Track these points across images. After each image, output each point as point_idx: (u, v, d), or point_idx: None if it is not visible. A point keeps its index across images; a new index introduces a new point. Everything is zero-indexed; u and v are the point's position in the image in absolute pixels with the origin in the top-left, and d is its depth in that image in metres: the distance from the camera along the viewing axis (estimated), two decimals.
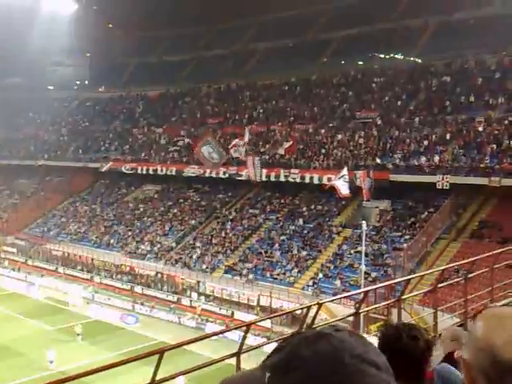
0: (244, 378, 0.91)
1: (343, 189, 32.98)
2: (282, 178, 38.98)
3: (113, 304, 35.59)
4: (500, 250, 10.38)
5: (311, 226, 37.55)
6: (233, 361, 6.27)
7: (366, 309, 10.97)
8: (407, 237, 32.93)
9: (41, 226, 51.61)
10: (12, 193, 57.95)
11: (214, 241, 40.07)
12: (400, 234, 33.55)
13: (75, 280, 40.53)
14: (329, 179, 36.28)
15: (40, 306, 35.67)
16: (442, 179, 31.76)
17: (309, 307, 7.37)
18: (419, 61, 44.32)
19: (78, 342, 27.64)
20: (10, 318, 33.07)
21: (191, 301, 35.04)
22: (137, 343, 26.84)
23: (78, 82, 67.75)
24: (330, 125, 41.98)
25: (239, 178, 41.53)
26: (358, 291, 18.11)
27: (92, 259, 42.49)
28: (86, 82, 67.78)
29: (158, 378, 5.43)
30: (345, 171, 32.91)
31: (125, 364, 5.69)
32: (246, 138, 40.50)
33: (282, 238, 37.35)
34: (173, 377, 5.74)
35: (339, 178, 32.78)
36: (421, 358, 2.26)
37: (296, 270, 34.20)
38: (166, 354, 5.48)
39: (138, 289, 37.90)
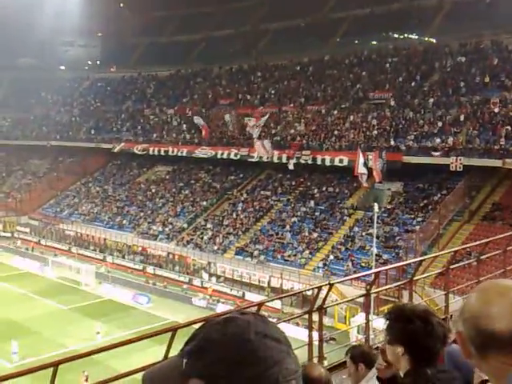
0: (163, 367, 1.02)
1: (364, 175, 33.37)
2: (294, 160, 38.83)
3: (125, 284, 35.93)
4: None
5: (322, 207, 37.49)
6: None
7: (377, 290, 10.96)
8: (419, 219, 32.78)
9: (54, 206, 52.06)
10: (25, 173, 58.39)
11: (225, 222, 40.19)
12: (412, 216, 33.40)
13: (88, 260, 40.93)
14: (341, 160, 36.28)
15: (53, 286, 36.10)
16: (456, 161, 31.47)
17: (319, 288, 7.36)
18: (434, 41, 43.69)
19: (97, 341, 26.77)
20: (24, 298, 33.53)
21: (202, 282, 35.28)
22: (149, 323, 27.08)
23: (89, 62, 67.69)
24: (343, 106, 41.64)
25: (251, 160, 41.48)
26: (369, 272, 18.11)
27: (104, 239, 42.87)
28: (98, 62, 67.70)
29: (170, 356, 5.47)
30: (361, 158, 32.82)
31: (138, 341, 5.73)
32: (262, 122, 40.66)
33: (293, 219, 37.35)
34: None
35: (364, 166, 32.89)
36: (435, 346, 2.22)
37: (307, 252, 34.24)
38: (177, 333, 5.51)
39: (149, 269, 38.22)
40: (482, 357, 1.15)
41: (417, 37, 45.78)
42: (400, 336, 2.25)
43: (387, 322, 2.35)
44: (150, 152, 48.46)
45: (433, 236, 31.41)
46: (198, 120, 44.91)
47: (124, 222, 45.04)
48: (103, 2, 58.36)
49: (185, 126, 48.83)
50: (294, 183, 40.93)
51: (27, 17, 55.05)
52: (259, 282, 33.34)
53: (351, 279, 24.16)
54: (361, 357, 3.55)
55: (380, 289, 11.72)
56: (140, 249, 40.53)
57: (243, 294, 32.83)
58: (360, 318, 22.46)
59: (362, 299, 11.58)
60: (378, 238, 30.83)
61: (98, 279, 36.67)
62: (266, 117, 41.00)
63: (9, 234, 48.37)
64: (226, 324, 0.99)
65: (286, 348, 0.99)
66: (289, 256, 34.53)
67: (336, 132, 39.27)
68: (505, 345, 1.12)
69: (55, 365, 4.90)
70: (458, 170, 31.59)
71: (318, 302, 7.20)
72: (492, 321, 1.13)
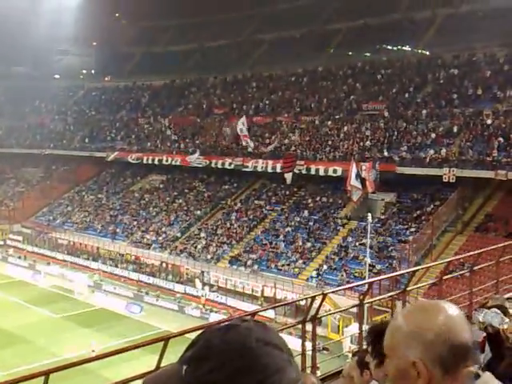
0: (163, 373, 1.00)
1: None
2: (290, 174, 38.72)
3: (118, 293, 35.76)
4: (505, 244, 10.35)
5: (316, 217, 37.53)
6: None
7: (370, 300, 10.98)
8: (413, 229, 32.87)
9: (47, 214, 51.83)
10: (18, 181, 58.17)
11: (218, 231, 40.14)
12: (405, 226, 33.49)
13: (81, 268, 40.72)
14: (334, 171, 36.37)
15: (46, 294, 35.87)
16: (449, 172, 31.64)
17: (313, 298, 7.38)
18: (427, 53, 44.03)
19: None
20: (16, 306, 33.29)
21: (195, 291, 35.12)
22: (141, 332, 26.99)
23: (84, 72, 67.72)
24: (337, 116, 41.83)
25: (245, 169, 41.52)
26: (363, 282, 18.13)
27: (97, 248, 42.68)
28: (92, 72, 67.74)
29: (162, 365, 5.46)
30: (354, 170, 32.88)
31: (130, 350, 5.72)
32: (244, 128, 40.92)
33: (286, 229, 37.36)
34: None
35: (357, 178, 32.92)
36: None
37: (300, 262, 34.23)
38: (169, 343, 5.50)
39: (143, 278, 38.04)
40: (452, 373, 1.14)
41: (410, 49, 46.12)
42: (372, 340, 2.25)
43: (370, 346, 2.34)
44: (144, 161, 48.41)
45: (426, 247, 31.49)
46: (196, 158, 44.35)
47: (117, 230, 44.88)
48: (98, 12, 58.45)
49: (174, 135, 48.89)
50: (288, 193, 40.97)
51: (22, 25, 55.08)
52: (252, 291, 33.25)
53: (345, 289, 24.14)
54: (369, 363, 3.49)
55: (373, 299, 11.75)
56: (133, 258, 40.36)
57: (236, 303, 32.71)
58: (353, 328, 22.43)
59: (355, 309, 11.59)
60: (371, 248, 30.90)
61: (91, 288, 36.48)
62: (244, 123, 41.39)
63: (1, 242, 48.08)
64: (227, 331, 0.97)
65: (287, 356, 0.98)
66: (282, 265, 34.50)
67: (330, 142, 39.42)
68: (471, 354, 1.15)
69: (46, 373, 4.89)
70: (451, 181, 31.76)
71: (312, 311, 7.21)
72: (459, 333, 1.14)
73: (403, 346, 1.17)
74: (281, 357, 0.96)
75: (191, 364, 0.96)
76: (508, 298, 6.07)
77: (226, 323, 1.01)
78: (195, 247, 39.43)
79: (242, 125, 41.36)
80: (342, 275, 31.45)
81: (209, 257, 37.89)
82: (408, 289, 8.98)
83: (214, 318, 29.42)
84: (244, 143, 41.70)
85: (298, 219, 37.92)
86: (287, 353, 0.99)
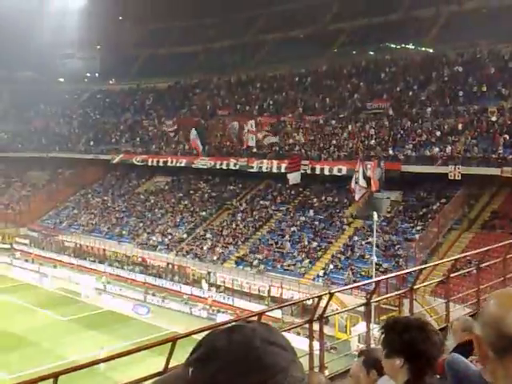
0: (170, 377, 1.03)
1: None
2: (298, 174, 38.65)
3: (125, 294, 35.83)
4: None
5: (322, 217, 37.48)
6: None
7: (378, 299, 10.97)
8: (419, 228, 32.78)
9: (53, 217, 52.00)
10: (24, 185, 58.37)
11: (224, 232, 40.15)
12: (411, 225, 33.40)
13: (87, 271, 40.83)
14: (339, 170, 36.34)
15: (52, 297, 35.98)
16: (454, 170, 31.54)
17: (320, 297, 7.37)
18: (431, 51, 43.94)
19: (99, 369, 21.41)
20: (23, 309, 33.41)
21: (202, 292, 35.15)
22: (149, 333, 27.01)
23: (88, 75, 67.90)
24: (341, 116, 41.78)
25: (250, 170, 41.52)
26: (370, 281, 18.08)
27: (104, 250, 42.79)
28: (97, 75, 67.92)
29: (170, 366, 5.47)
30: (361, 170, 32.81)
31: (138, 352, 5.73)
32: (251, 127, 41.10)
33: (292, 229, 37.33)
34: None
35: (364, 179, 32.89)
36: (432, 353, 2.25)
37: (307, 261, 34.19)
38: (177, 344, 5.50)
39: (149, 279, 38.11)
40: (500, 360, 1.18)
41: (414, 47, 46.04)
42: (397, 347, 2.27)
43: (383, 336, 2.38)
44: (149, 163, 48.50)
45: (432, 245, 31.40)
46: (193, 134, 44.69)
47: (123, 232, 44.99)
48: (102, 15, 58.62)
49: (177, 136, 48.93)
50: (293, 193, 40.94)
51: (26, 29, 55.30)
52: (259, 291, 33.24)
53: (351, 288, 24.10)
54: (375, 363, 3.43)
55: (380, 298, 11.73)
56: (139, 259, 40.46)
57: (243, 303, 32.71)
58: (361, 327, 22.38)
59: (362, 308, 11.58)
60: (377, 246, 30.81)
61: (98, 290, 36.58)
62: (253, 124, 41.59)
63: (8, 246, 48.26)
64: (232, 332, 0.99)
65: (291, 355, 0.99)
66: (288, 265, 34.47)
67: (334, 142, 39.38)
68: None
69: (55, 376, 4.91)
70: (457, 178, 31.67)
71: (319, 311, 7.20)
72: None
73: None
74: (285, 356, 0.98)
75: (197, 366, 0.97)
76: None
77: (230, 325, 1.03)
78: (201, 248, 39.47)
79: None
80: (349, 274, 31.39)
81: (215, 258, 37.92)
82: (415, 287, 8.97)
83: (221, 318, 29.42)
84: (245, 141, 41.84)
85: (304, 219, 37.89)
86: (291, 352, 1.00)
